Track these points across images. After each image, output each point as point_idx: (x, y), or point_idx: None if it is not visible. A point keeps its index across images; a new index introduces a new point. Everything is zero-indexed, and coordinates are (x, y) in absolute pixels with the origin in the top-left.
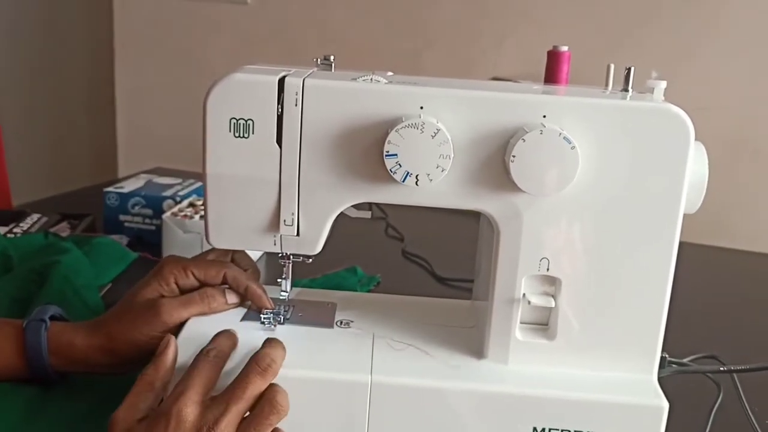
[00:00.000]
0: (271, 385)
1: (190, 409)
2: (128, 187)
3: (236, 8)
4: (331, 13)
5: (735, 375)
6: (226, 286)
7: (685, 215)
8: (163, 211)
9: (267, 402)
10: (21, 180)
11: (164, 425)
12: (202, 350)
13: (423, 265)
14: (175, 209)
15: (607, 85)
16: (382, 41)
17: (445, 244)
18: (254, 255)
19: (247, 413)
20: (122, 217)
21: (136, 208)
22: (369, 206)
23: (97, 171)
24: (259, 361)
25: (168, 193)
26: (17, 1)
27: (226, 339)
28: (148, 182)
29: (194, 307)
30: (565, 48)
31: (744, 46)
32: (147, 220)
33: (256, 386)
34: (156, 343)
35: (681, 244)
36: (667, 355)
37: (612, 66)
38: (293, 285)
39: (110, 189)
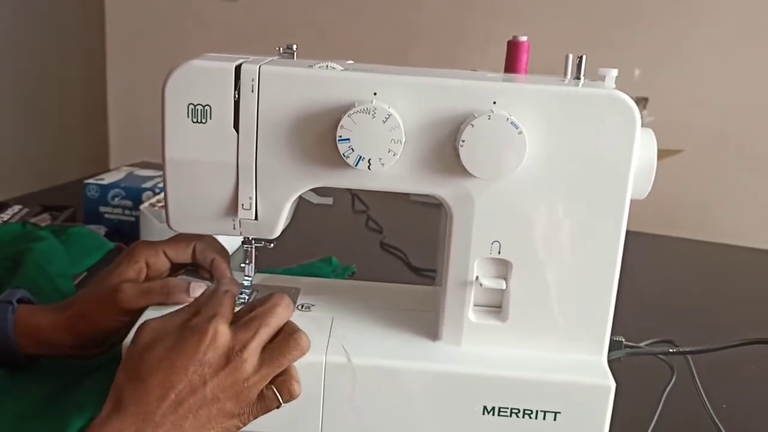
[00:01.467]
0: (292, 323)
1: (224, 329)
2: (108, 179)
3: (227, 5)
4: (320, 11)
5: (690, 359)
6: (191, 280)
7: (654, 204)
8: (143, 203)
9: (290, 336)
10: (14, 176)
11: (198, 340)
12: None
13: (399, 256)
14: (153, 200)
15: (565, 74)
16: (369, 39)
17: (424, 236)
18: (233, 244)
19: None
20: (102, 209)
21: (116, 199)
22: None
23: (90, 168)
24: (281, 295)
25: (148, 185)
26: None
27: (234, 285)
28: (128, 174)
29: (153, 297)
30: (524, 38)
31: (729, 44)
32: (127, 212)
33: (281, 316)
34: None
35: (666, 238)
36: (623, 339)
37: (570, 56)
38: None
39: (90, 181)
